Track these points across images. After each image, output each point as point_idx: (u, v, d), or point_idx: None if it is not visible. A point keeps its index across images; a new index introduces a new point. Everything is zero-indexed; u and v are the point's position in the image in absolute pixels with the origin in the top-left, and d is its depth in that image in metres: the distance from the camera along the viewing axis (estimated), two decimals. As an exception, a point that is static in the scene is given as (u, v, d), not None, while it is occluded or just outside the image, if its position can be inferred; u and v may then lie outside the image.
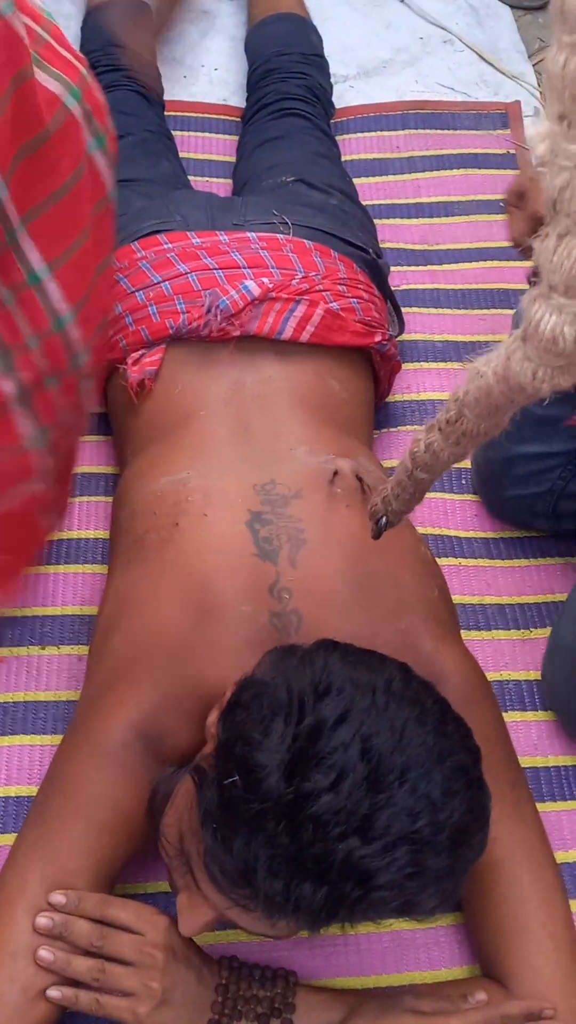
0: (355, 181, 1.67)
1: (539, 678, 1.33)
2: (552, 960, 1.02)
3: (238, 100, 1.89)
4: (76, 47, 1.74)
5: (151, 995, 0.95)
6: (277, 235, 1.33)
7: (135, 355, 1.29)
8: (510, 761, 1.10)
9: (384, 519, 0.97)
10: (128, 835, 1.01)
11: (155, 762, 1.02)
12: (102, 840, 1.00)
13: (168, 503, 1.14)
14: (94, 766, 1.01)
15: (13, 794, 1.19)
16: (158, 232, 1.33)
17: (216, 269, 1.28)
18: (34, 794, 1.16)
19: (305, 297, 1.27)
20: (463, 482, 1.49)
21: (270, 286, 1.25)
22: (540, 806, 1.14)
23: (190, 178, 1.68)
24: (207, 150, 1.81)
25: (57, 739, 1.21)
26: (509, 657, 1.36)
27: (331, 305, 1.28)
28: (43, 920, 0.96)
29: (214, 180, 1.77)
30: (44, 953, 0.95)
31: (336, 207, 1.45)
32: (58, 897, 0.96)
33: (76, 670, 1.27)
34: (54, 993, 0.95)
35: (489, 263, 1.73)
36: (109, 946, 0.96)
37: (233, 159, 1.78)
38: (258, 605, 1.04)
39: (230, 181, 1.75)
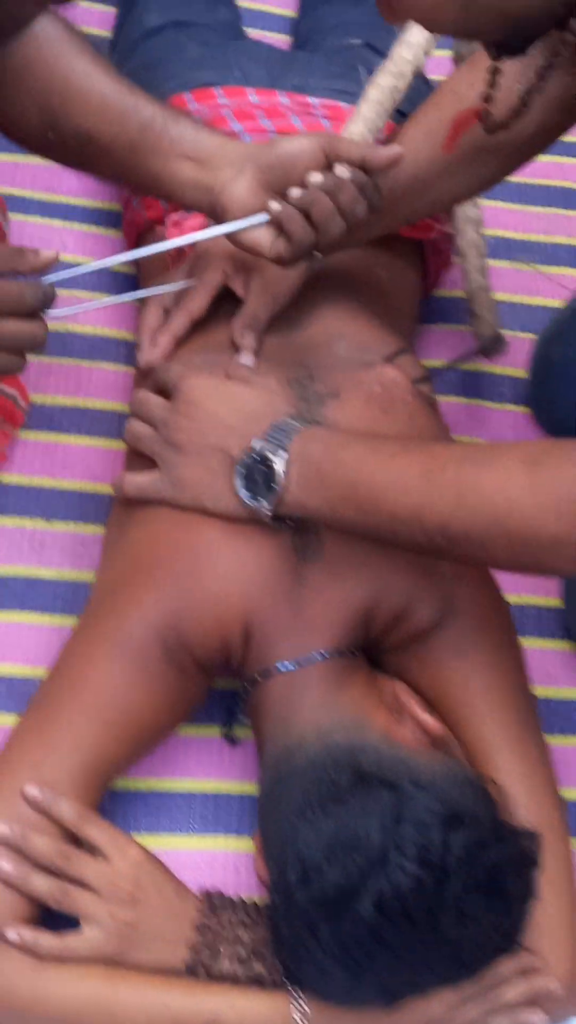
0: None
1: (560, 605, 1.28)
2: (550, 908, 0.95)
3: (299, -53, 1.74)
4: None
5: (117, 926, 0.91)
6: (340, 103, 1.23)
7: (175, 216, 1.19)
8: (518, 695, 1.04)
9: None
10: (134, 740, 0.97)
11: (175, 672, 0.97)
12: (107, 739, 0.95)
13: None
14: (107, 662, 0.96)
15: (7, 674, 1.13)
16: (214, 84, 1.22)
17: (272, 132, 1.18)
18: (28, 675, 1.12)
19: (364, 177, 1.17)
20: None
21: (329, 159, 1.15)
22: (550, 738, 1.09)
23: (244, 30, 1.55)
24: (264, 0, 1.67)
25: (57, 619, 1.15)
26: (531, 581, 1.30)
27: (390, 187, 1.19)
28: (2, 828, 0.91)
29: (269, 34, 1.62)
30: (4, 864, 0.90)
31: (404, 80, 1.33)
32: (33, 791, 0.92)
33: (83, 549, 1.20)
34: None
35: (553, 158, 1.62)
36: (71, 868, 0.92)
37: (292, 13, 1.64)
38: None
39: (287, 37, 1.62)
